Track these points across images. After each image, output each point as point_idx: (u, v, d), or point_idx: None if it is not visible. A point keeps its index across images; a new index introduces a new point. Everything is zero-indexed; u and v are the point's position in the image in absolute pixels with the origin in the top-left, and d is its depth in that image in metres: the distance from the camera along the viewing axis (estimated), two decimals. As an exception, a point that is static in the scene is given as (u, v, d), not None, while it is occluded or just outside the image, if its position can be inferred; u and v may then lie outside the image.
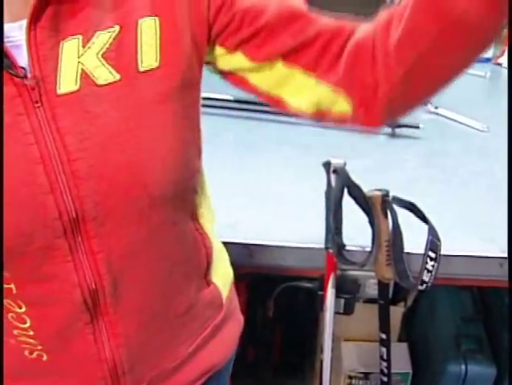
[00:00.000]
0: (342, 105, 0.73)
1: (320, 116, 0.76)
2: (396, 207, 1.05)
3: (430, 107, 1.66)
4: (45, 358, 0.79)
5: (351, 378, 1.64)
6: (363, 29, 0.70)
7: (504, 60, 1.99)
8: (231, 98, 1.62)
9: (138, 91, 0.68)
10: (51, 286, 0.72)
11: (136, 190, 0.69)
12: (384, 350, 1.14)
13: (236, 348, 1.01)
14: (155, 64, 0.68)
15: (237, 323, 1.00)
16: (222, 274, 0.94)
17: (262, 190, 1.32)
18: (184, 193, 0.77)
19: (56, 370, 0.81)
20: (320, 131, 1.57)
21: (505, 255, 1.12)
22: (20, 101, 0.64)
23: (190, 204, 0.81)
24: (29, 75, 0.63)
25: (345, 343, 1.68)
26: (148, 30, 0.68)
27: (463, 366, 1.48)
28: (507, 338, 1.46)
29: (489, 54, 2.00)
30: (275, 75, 0.75)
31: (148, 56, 0.68)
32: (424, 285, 1.00)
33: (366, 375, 1.64)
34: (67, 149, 0.65)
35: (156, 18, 0.68)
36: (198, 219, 0.83)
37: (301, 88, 0.74)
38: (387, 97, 0.70)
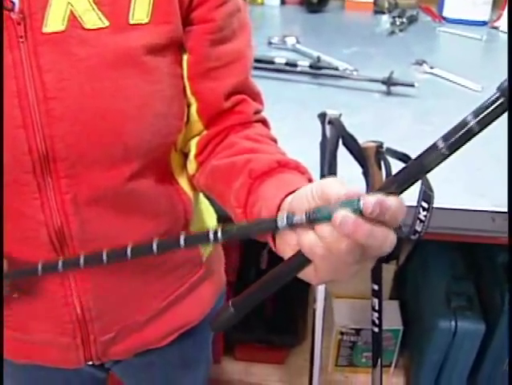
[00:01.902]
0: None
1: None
2: (389, 158, 1.05)
3: (426, 67, 1.65)
4: (15, 295, 0.80)
5: (342, 333, 1.67)
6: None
7: (500, 23, 1.98)
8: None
9: (125, 41, 0.67)
10: (19, 223, 0.73)
11: (110, 137, 0.69)
12: (375, 301, 1.15)
13: (214, 307, 0.99)
14: (145, 20, 0.68)
15: (217, 283, 1.00)
16: None
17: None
18: (162, 149, 0.77)
19: (27, 311, 0.82)
20: (316, 88, 1.58)
21: (498, 209, 1.13)
22: (5, 34, 0.64)
23: (168, 161, 0.80)
24: (16, 10, 0.63)
25: (337, 300, 1.71)
26: None
27: (453, 323, 1.50)
28: (497, 296, 1.48)
29: (486, 17, 2.00)
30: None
31: (140, 11, 0.68)
32: (417, 235, 1.00)
33: (357, 331, 1.67)
34: (44, 86, 0.65)
35: None
36: (177, 176, 0.83)
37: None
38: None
